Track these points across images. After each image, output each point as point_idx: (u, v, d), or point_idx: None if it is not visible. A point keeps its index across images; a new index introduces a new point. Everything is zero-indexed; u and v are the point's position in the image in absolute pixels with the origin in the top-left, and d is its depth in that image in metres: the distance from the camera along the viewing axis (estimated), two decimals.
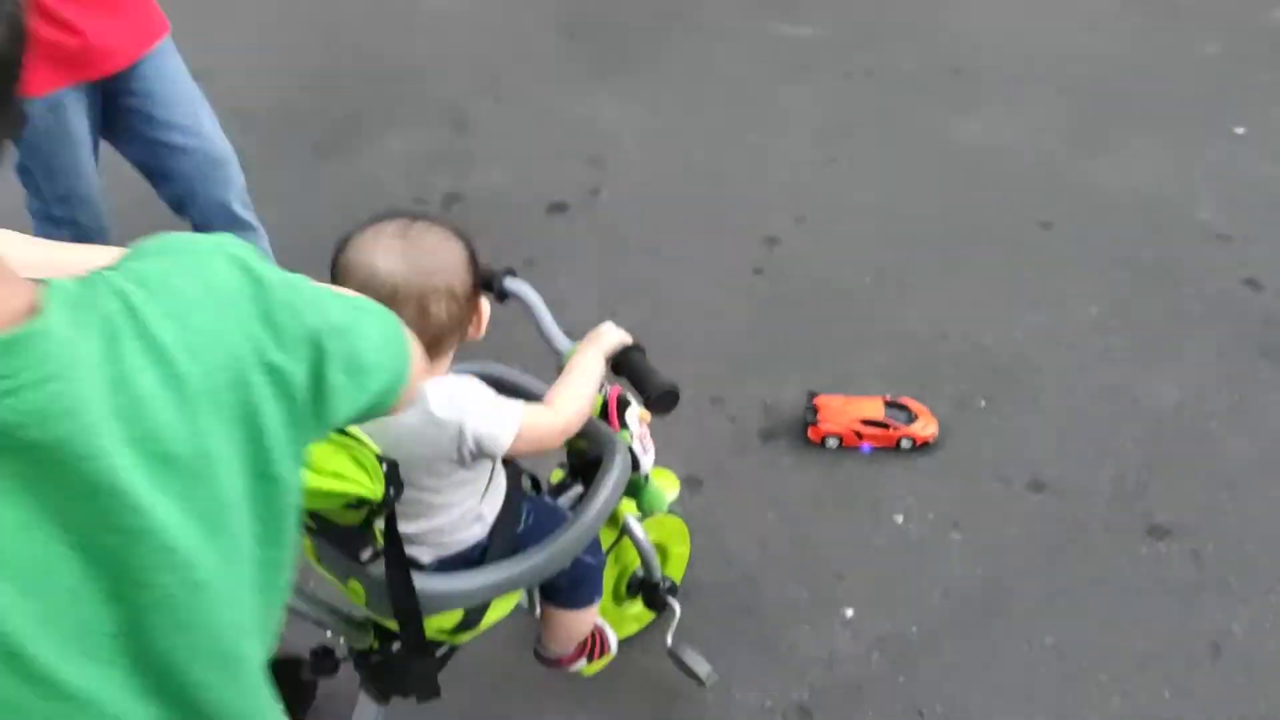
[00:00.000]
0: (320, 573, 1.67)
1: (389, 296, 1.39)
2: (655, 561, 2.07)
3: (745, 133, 3.99)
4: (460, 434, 1.47)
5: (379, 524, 1.47)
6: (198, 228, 2.61)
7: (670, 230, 3.48)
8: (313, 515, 1.51)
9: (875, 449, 2.67)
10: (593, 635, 1.99)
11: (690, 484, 2.59)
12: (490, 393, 1.53)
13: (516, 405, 1.53)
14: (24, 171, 2.45)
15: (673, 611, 2.10)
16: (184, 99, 2.54)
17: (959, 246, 3.40)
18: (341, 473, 1.29)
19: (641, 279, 3.26)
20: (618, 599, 2.18)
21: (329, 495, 1.29)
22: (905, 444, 2.66)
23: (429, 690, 1.71)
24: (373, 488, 1.33)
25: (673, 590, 2.11)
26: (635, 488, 1.91)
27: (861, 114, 4.10)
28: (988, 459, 2.67)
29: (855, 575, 2.39)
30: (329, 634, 1.74)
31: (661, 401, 1.67)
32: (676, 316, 3.11)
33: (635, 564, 2.12)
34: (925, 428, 2.66)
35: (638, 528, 2.00)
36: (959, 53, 4.46)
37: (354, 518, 1.44)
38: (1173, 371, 2.92)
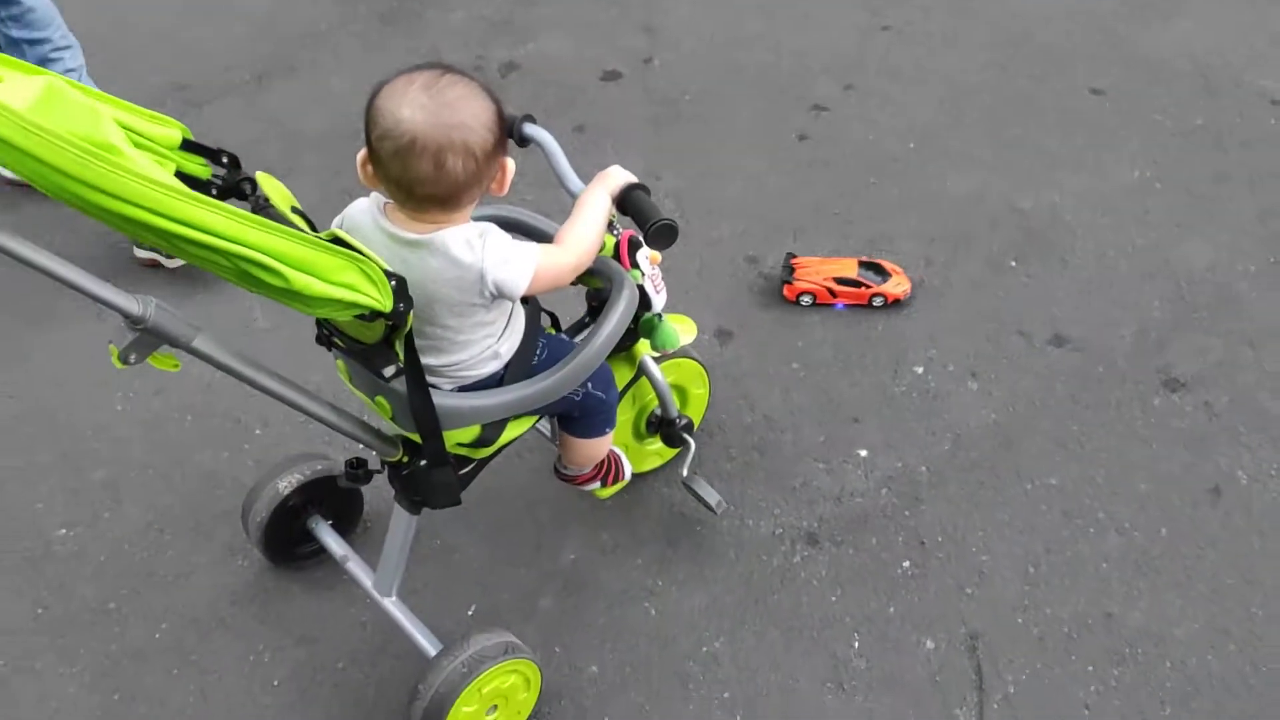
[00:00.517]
0: (353, 392, 1.84)
1: (407, 146, 1.49)
2: (671, 399, 2.21)
3: (799, 2, 4.00)
4: (481, 278, 1.59)
5: (399, 343, 1.63)
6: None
7: (719, 98, 3.55)
8: (342, 335, 1.68)
9: (849, 306, 2.78)
10: (609, 460, 2.15)
11: (720, 335, 2.72)
12: (506, 238, 1.64)
13: (532, 248, 1.65)
14: None
15: (689, 446, 2.25)
16: None
17: (1007, 113, 3.42)
18: (352, 284, 1.44)
19: (688, 144, 3.35)
20: (638, 436, 2.33)
21: (339, 304, 1.44)
22: (877, 301, 2.76)
23: (450, 499, 1.89)
24: (381, 300, 1.48)
25: (689, 428, 2.25)
26: (649, 326, 2.04)
27: None
28: (1011, 315, 2.74)
29: (871, 420, 2.51)
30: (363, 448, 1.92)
31: (659, 234, 1.77)
32: (720, 180, 3.20)
33: (654, 403, 2.27)
34: (897, 285, 2.76)
35: (654, 367, 2.14)
36: None
37: (374, 334, 1.60)
38: (1208, 234, 2.94)
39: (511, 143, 1.86)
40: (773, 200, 3.14)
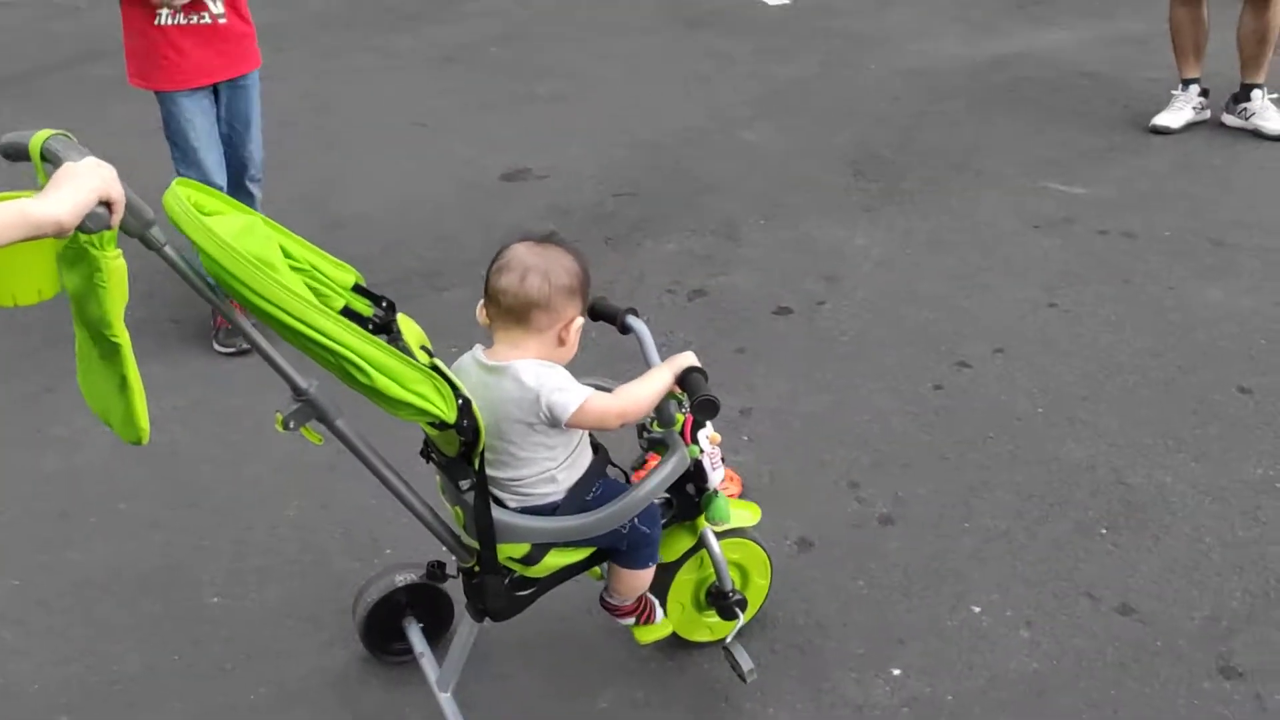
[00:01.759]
0: (442, 502, 2.25)
1: (505, 264, 2.07)
2: (726, 572, 2.49)
3: (981, 272, 4.30)
4: (537, 400, 2.04)
5: (475, 460, 2.04)
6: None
7: (873, 343, 3.87)
8: (436, 450, 2.12)
9: None
10: (646, 603, 2.45)
11: (802, 544, 2.96)
12: (566, 374, 2.10)
13: (586, 389, 2.10)
14: (170, 143, 3.74)
15: (738, 620, 2.50)
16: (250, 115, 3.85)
17: (1145, 395, 3.53)
18: (423, 394, 1.90)
19: (831, 377, 3.67)
20: (697, 605, 2.60)
21: (412, 408, 1.90)
22: None
23: (503, 611, 2.26)
24: (446, 412, 1.92)
25: (741, 603, 2.51)
26: (705, 501, 2.37)
27: (1102, 269, 4.28)
28: (1085, 578, 2.83)
29: (915, 644, 2.65)
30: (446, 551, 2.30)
31: (701, 408, 2.13)
32: (849, 412, 3.49)
33: (713, 577, 2.54)
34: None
35: (713, 540, 2.46)
36: (1226, 226, 4.53)
37: (453, 448, 2.04)
38: None
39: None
40: (891, 437, 3.38)
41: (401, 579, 2.58)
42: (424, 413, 1.92)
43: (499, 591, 2.24)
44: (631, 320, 2.40)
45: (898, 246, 4.53)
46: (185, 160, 3.68)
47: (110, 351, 1.79)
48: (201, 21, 3.59)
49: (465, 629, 2.34)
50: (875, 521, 3.05)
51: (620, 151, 5.58)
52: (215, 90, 3.73)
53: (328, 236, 4.40)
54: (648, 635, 2.53)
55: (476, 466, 2.05)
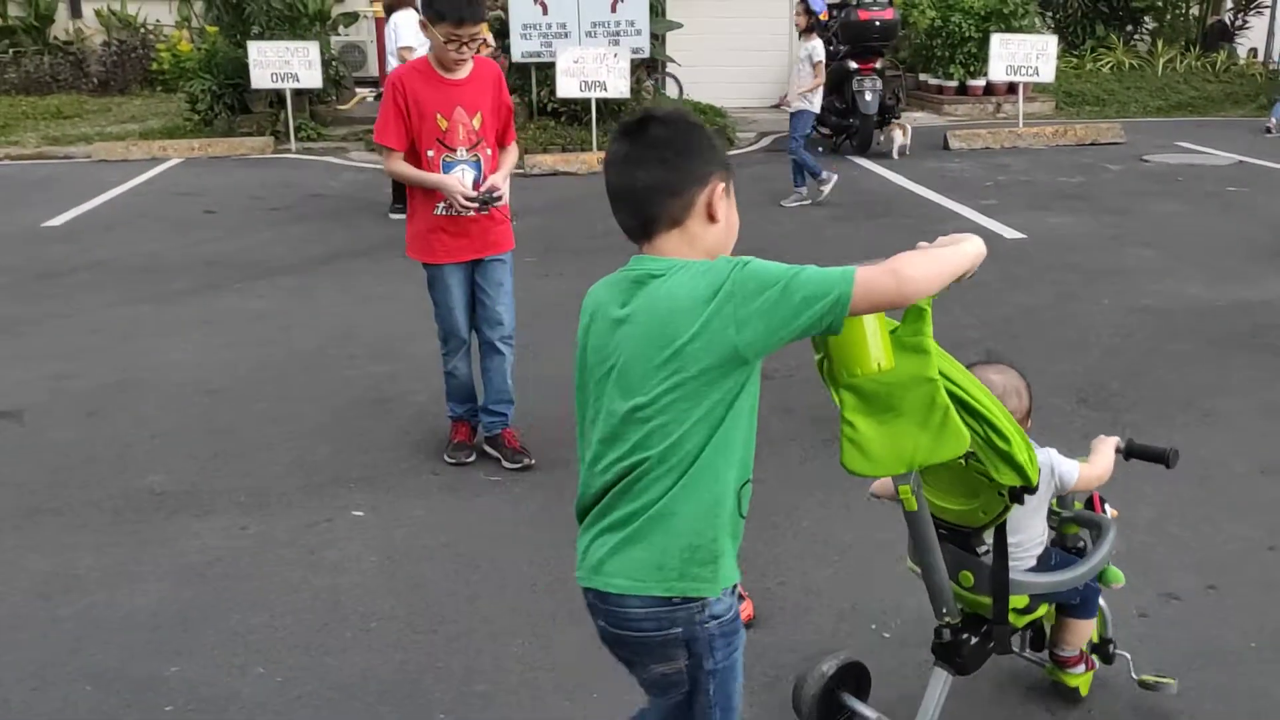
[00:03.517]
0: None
1: (1000, 392, 2.56)
2: (1109, 621, 3.09)
3: (1200, 508, 4.30)
4: (1052, 471, 2.66)
5: (990, 532, 2.59)
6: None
7: None
8: (948, 525, 2.65)
9: None
10: (1085, 653, 2.98)
11: None
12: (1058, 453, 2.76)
13: (1074, 462, 2.76)
14: (432, 301, 4.54)
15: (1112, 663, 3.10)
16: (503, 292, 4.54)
17: None
18: (1029, 460, 2.39)
19: None
20: None
21: (1020, 471, 2.38)
22: None
23: (974, 663, 2.71)
24: (1034, 476, 2.41)
25: (1115, 645, 3.09)
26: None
27: None
28: None
29: None
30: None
31: (1172, 459, 2.83)
32: None
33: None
34: None
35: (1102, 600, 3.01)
36: None
37: (986, 517, 2.55)
38: None
39: None
40: None
41: (829, 665, 2.95)
42: (1024, 476, 2.40)
43: (1006, 638, 2.71)
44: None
45: (1117, 473, 4.57)
46: (440, 315, 4.54)
47: (921, 397, 2.19)
48: (467, 213, 4.36)
49: (939, 683, 2.73)
50: None
51: None
52: (476, 261, 4.50)
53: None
54: (1085, 681, 3.05)
55: (993, 534, 2.57)
